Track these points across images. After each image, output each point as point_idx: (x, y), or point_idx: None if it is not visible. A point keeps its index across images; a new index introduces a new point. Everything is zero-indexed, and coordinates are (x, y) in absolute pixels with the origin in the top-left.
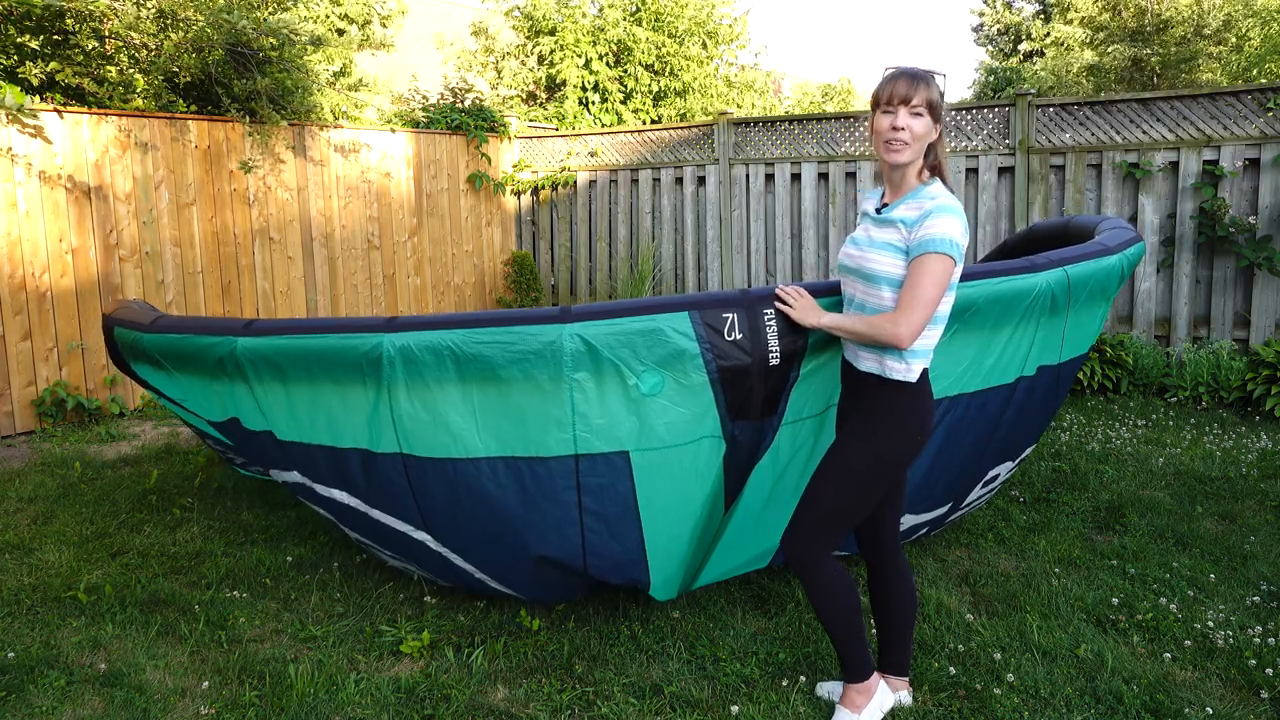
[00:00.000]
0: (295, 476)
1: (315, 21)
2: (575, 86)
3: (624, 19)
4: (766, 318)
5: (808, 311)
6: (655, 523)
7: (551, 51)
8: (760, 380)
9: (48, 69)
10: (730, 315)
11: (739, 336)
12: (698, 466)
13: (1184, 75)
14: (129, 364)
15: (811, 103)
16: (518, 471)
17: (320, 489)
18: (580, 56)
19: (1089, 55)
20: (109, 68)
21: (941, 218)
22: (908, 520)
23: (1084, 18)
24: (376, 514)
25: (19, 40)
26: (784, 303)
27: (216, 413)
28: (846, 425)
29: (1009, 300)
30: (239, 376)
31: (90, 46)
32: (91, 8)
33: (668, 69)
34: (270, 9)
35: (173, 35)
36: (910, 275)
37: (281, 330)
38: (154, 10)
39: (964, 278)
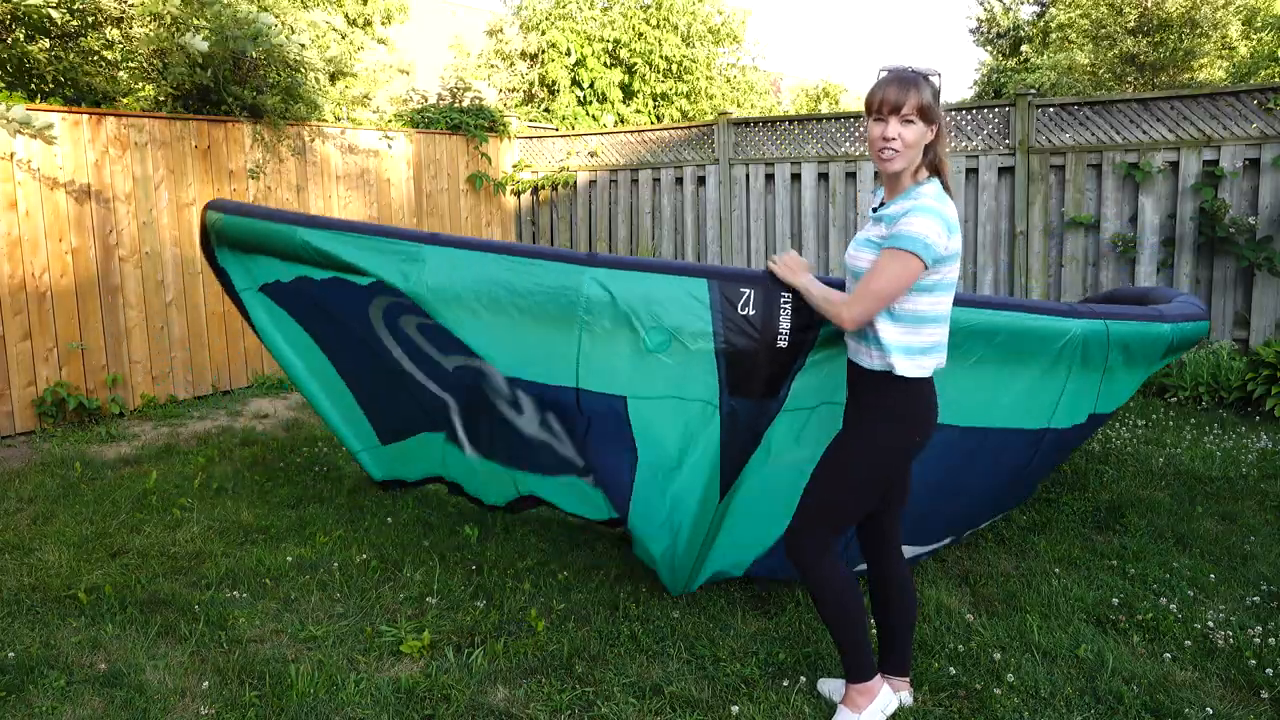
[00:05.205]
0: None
1: (317, 24)
2: (567, 87)
3: (635, 19)
4: (783, 300)
5: (794, 263)
6: (646, 472)
7: (540, 51)
8: (765, 359)
9: (48, 70)
10: (748, 291)
11: (751, 313)
12: (690, 427)
13: (1183, 74)
14: (214, 251)
15: (807, 106)
16: (526, 386)
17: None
18: (569, 56)
19: (1082, 57)
20: (108, 71)
21: (917, 217)
22: (909, 550)
23: (1083, 13)
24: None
25: (19, 40)
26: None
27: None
28: (845, 422)
29: (1038, 338)
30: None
31: (91, 48)
32: (94, 11)
33: (674, 70)
34: (270, 7)
35: (173, 35)
36: (873, 266)
37: (336, 227)
38: (155, 10)
39: (995, 306)
